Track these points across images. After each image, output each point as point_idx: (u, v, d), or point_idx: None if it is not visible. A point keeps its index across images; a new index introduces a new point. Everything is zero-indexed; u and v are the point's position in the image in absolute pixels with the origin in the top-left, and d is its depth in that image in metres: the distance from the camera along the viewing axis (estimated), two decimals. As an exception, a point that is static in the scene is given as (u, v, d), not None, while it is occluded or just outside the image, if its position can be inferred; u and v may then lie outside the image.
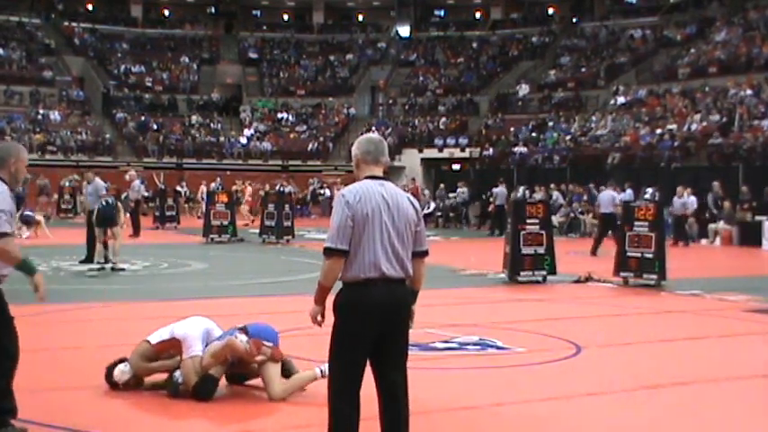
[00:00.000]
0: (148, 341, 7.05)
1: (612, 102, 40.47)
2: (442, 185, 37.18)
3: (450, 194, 35.18)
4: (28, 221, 24.34)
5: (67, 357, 8.39)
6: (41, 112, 45.77)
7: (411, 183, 36.96)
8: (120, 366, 7.02)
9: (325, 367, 6.62)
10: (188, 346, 6.86)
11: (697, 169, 29.85)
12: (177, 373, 6.87)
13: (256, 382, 7.12)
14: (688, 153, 31.94)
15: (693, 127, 33.06)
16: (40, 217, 25.42)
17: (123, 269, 16.19)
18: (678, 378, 7.93)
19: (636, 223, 14.95)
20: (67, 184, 35.77)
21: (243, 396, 6.97)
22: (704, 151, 31.63)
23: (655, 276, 14.63)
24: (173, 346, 6.97)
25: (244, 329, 6.92)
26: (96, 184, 17.02)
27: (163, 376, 7.09)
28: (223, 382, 7.02)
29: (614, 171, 32.22)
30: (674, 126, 33.78)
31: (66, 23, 53.71)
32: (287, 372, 7.05)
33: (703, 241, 26.05)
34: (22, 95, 46.67)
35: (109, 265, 16.09)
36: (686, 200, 25.20)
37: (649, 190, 24.39)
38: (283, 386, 6.83)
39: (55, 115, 45.82)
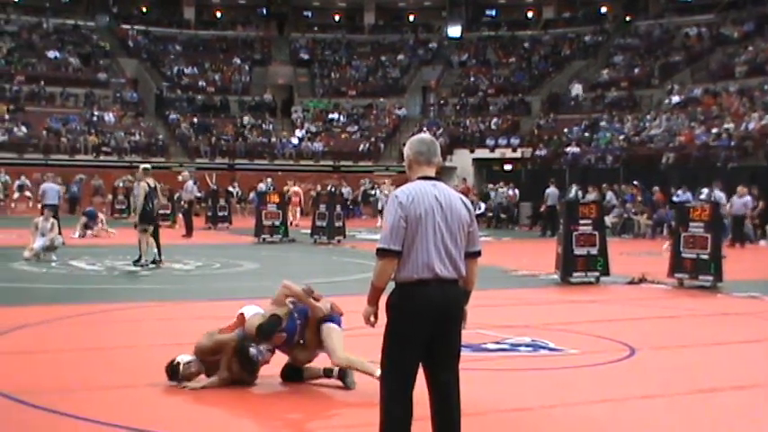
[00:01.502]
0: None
1: (667, 101, 39.95)
2: (490, 185, 37.01)
3: (501, 190, 34.92)
4: (90, 216, 24.88)
5: (122, 356, 8.46)
6: (96, 113, 46.43)
7: (462, 183, 36.86)
8: (186, 360, 7.15)
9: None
10: (250, 312, 7.17)
11: (755, 169, 29.34)
12: (253, 350, 7.00)
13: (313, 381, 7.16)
14: (745, 153, 31.42)
15: (751, 126, 32.50)
16: (102, 215, 25.95)
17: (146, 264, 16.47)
18: (736, 382, 7.77)
19: (691, 224, 14.71)
20: (121, 184, 36.24)
21: (295, 395, 6.97)
22: (762, 151, 31.09)
23: (711, 278, 14.38)
24: (239, 323, 7.16)
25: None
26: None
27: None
28: (278, 380, 7.08)
29: (669, 171, 31.86)
30: (730, 125, 33.25)
31: (120, 26, 54.47)
32: (344, 377, 7.08)
33: (762, 242, 25.61)
34: (78, 97, 47.39)
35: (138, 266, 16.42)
36: (746, 199, 24.80)
37: (705, 190, 24.10)
38: (349, 356, 6.94)
39: (109, 117, 46.47)
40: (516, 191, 34.88)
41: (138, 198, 16.64)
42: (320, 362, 7.27)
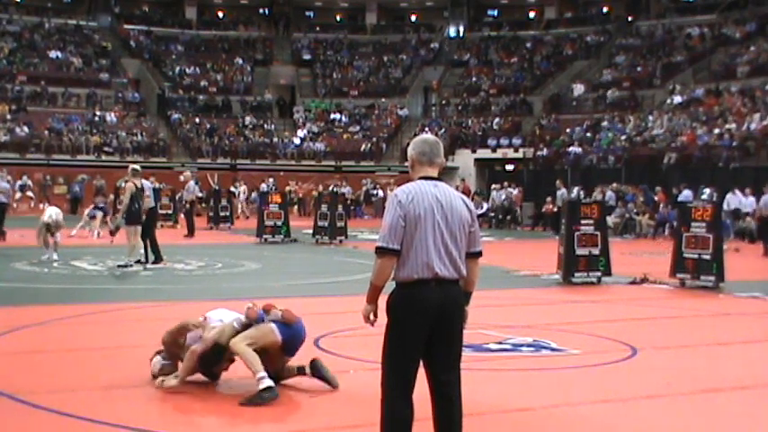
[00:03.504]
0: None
1: (669, 101, 39.94)
2: (493, 185, 37.01)
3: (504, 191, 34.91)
4: (102, 209, 25.23)
5: (123, 356, 8.45)
6: (98, 113, 46.45)
7: (461, 183, 36.89)
8: (157, 357, 7.36)
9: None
10: (213, 319, 7.18)
11: (757, 170, 29.33)
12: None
13: (312, 382, 7.14)
14: (747, 153, 31.40)
15: (753, 126, 32.48)
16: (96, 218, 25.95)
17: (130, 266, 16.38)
18: (738, 382, 7.76)
19: (693, 224, 14.70)
20: (123, 184, 36.24)
21: (296, 395, 6.96)
22: (764, 151, 31.07)
23: (713, 278, 14.36)
24: (201, 325, 7.22)
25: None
26: (144, 184, 17.04)
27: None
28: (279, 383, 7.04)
29: (670, 171, 31.84)
30: (732, 125, 33.24)
31: (121, 26, 54.50)
32: (317, 371, 7.05)
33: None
34: (80, 97, 47.41)
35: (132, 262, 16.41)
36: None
37: (707, 190, 24.08)
38: (242, 343, 6.80)
39: (111, 117, 46.47)
40: (518, 190, 34.90)
41: (124, 198, 16.69)
42: (302, 363, 7.27)
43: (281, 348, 6.96)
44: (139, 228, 16.61)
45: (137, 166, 17.32)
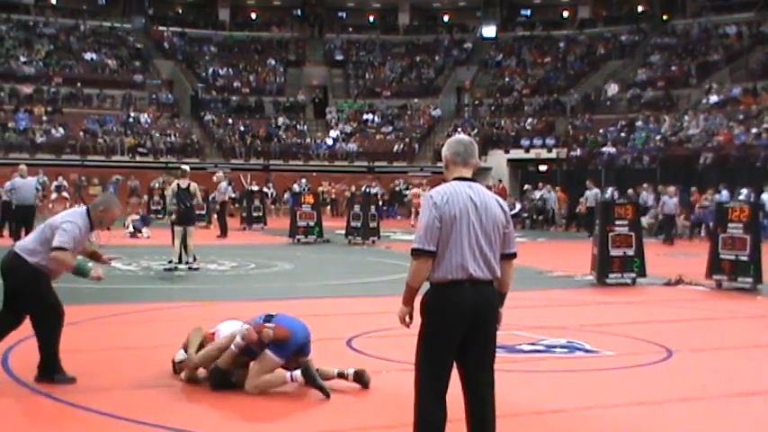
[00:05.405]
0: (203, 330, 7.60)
1: (705, 100, 39.53)
2: (527, 186, 36.85)
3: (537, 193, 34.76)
4: (146, 222, 25.73)
5: (158, 356, 8.47)
6: (132, 114, 46.80)
7: (497, 184, 36.71)
8: (181, 351, 7.53)
9: (297, 373, 6.77)
10: (223, 332, 7.34)
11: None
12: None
13: (345, 383, 7.13)
14: (785, 153, 31.07)
15: (791, 126, 32.14)
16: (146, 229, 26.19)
17: (198, 269, 16.28)
18: (776, 385, 7.66)
19: (730, 225, 14.54)
20: (157, 185, 36.46)
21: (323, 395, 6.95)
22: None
23: (750, 280, 14.19)
24: (211, 338, 7.41)
25: (269, 318, 7.06)
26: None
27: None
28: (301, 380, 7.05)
29: (707, 171, 31.53)
30: (770, 125, 32.90)
31: (155, 28, 54.91)
32: (358, 378, 7.04)
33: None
34: (114, 99, 47.81)
35: (184, 266, 16.26)
36: (677, 200, 24.88)
37: (744, 191, 23.74)
38: (256, 382, 6.90)
39: (145, 118, 46.82)
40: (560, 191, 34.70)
41: (168, 200, 16.70)
42: (335, 363, 7.29)
43: (287, 364, 6.97)
44: (192, 228, 16.54)
45: (186, 167, 17.32)
